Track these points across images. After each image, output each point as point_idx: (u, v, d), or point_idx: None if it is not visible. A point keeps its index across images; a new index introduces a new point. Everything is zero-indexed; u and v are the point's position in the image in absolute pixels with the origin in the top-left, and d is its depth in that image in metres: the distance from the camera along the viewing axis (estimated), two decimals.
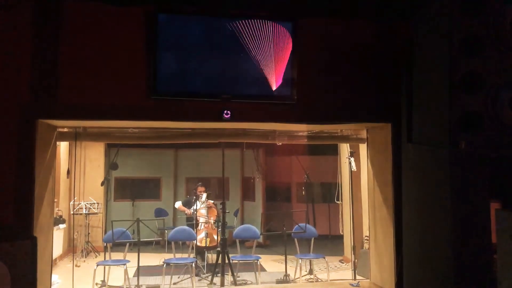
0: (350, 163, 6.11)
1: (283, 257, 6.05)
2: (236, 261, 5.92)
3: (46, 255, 4.12)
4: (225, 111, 4.08)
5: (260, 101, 4.19)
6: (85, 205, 7.70)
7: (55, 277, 5.52)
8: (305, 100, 4.25)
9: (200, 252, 7.00)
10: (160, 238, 7.97)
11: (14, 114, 3.74)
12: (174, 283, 5.81)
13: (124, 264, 5.49)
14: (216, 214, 7.19)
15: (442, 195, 3.04)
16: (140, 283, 5.34)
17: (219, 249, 5.80)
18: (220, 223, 6.13)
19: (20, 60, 3.78)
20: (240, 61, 4.10)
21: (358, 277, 5.54)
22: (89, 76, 3.92)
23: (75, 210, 7.48)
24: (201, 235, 6.92)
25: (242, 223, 8.98)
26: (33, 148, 3.79)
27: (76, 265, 6.61)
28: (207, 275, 6.30)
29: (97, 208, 7.89)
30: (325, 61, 4.35)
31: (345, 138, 5.78)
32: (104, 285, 5.59)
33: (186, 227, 6.61)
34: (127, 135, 5.06)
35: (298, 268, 5.83)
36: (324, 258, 5.86)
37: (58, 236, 7.34)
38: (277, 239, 8.06)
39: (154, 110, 4.04)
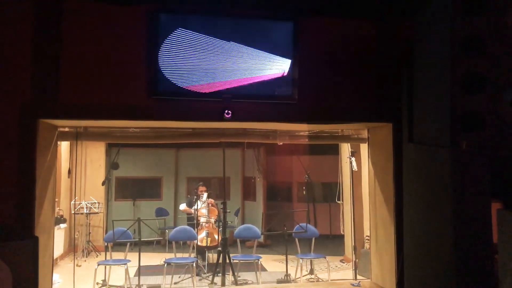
0: (351, 162, 6.10)
1: (284, 257, 6.05)
2: (237, 261, 5.92)
3: (47, 254, 4.13)
4: (226, 111, 4.08)
5: (261, 101, 4.19)
6: (86, 204, 7.70)
7: (56, 277, 5.52)
8: (306, 100, 4.25)
9: (201, 251, 6.99)
10: (161, 238, 7.97)
11: (15, 114, 3.74)
12: (175, 283, 5.81)
13: (125, 264, 5.49)
14: (216, 213, 7.19)
15: (443, 195, 3.03)
16: (141, 283, 5.34)
17: (219, 248, 5.80)
18: (221, 223, 6.13)
19: (22, 60, 3.78)
20: (241, 60, 4.10)
21: (359, 277, 5.54)
22: (90, 76, 3.92)
23: (76, 209, 7.48)
24: (202, 235, 6.92)
25: (243, 223, 8.97)
26: (34, 147, 3.80)
27: (77, 265, 6.61)
28: (207, 274, 6.30)
29: (98, 207, 7.89)
30: (326, 61, 4.35)
31: (346, 138, 5.78)
32: (105, 285, 5.59)
33: (187, 227, 6.61)
34: (128, 134, 5.06)
35: (299, 268, 5.83)
36: (325, 258, 5.86)
37: (59, 235, 7.34)
38: (278, 239, 8.06)
39: (155, 110, 4.04)
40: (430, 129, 3.24)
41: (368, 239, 5.90)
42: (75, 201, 7.52)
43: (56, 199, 5.94)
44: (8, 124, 3.72)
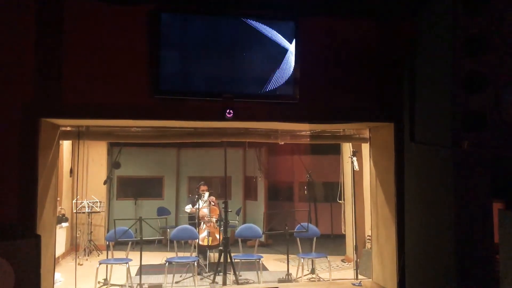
0: (352, 162, 6.10)
1: (285, 257, 6.06)
2: (238, 260, 5.92)
3: (49, 253, 4.13)
4: (228, 110, 4.08)
5: (263, 100, 4.19)
6: (88, 203, 7.72)
7: (58, 275, 5.54)
8: (307, 100, 4.25)
9: (202, 251, 7.00)
10: (163, 237, 7.98)
11: (17, 112, 3.75)
12: (176, 282, 5.82)
13: (126, 263, 5.51)
14: (218, 213, 7.19)
15: (444, 195, 3.03)
16: (142, 282, 5.35)
17: (221, 248, 5.81)
18: (222, 222, 6.13)
19: (24, 59, 3.79)
20: (242, 60, 4.10)
21: (360, 276, 5.54)
22: (92, 75, 3.93)
23: (77, 208, 7.50)
24: (203, 234, 6.93)
25: (244, 222, 8.98)
26: (36, 147, 3.81)
27: (78, 264, 6.63)
28: (209, 274, 6.30)
29: (100, 206, 7.90)
30: (327, 61, 4.34)
31: (347, 138, 5.77)
32: (107, 284, 5.61)
33: (188, 226, 6.62)
34: (129, 134, 5.07)
35: (300, 267, 5.84)
36: (326, 257, 5.86)
37: (61, 234, 7.36)
38: (279, 239, 8.06)
39: (157, 109, 4.04)
40: (431, 129, 3.24)
41: (369, 239, 5.90)
42: (76, 200, 7.54)
43: (58, 198, 5.95)
44: (10, 123, 3.73)
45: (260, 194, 9.69)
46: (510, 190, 3.05)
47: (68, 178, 7.99)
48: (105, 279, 5.63)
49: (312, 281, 5.96)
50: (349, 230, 6.95)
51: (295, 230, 6.02)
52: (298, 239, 6.10)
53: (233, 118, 4.12)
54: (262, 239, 8.19)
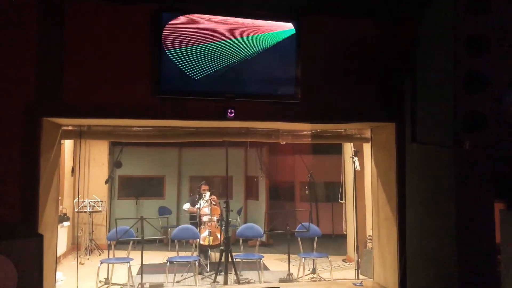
0: (354, 162, 6.10)
1: (286, 256, 6.06)
2: (239, 260, 5.92)
3: (50, 252, 4.14)
4: (229, 110, 4.09)
5: (264, 100, 4.20)
6: (89, 203, 7.73)
7: (59, 275, 5.55)
8: (309, 99, 4.26)
9: (203, 250, 7.01)
10: (164, 236, 7.98)
11: (19, 112, 3.76)
12: (177, 281, 5.82)
13: (127, 262, 5.51)
14: (219, 212, 7.20)
15: (446, 195, 3.03)
16: (143, 281, 5.35)
17: (222, 247, 5.81)
18: (223, 222, 6.14)
19: (26, 59, 3.80)
20: (244, 60, 4.11)
21: (361, 276, 5.54)
22: (93, 74, 3.94)
23: (79, 208, 7.51)
24: (205, 234, 6.94)
25: (245, 222, 8.98)
26: (38, 146, 3.81)
27: (80, 263, 6.64)
28: (210, 273, 6.31)
29: (101, 206, 7.91)
30: (329, 60, 4.35)
31: (349, 138, 5.77)
32: (108, 283, 5.61)
33: (190, 226, 6.62)
34: (131, 133, 5.08)
35: (301, 267, 5.84)
36: (328, 257, 5.86)
37: (62, 233, 7.37)
38: (280, 238, 8.06)
39: (158, 109, 4.05)
40: (433, 129, 3.24)
41: (370, 239, 5.89)
42: (78, 200, 7.55)
43: (60, 198, 5.96)
44: (12, 122, 3.74)
45: (261, 193, 9.69)
46: None
47: (69, 178, 8.00)
48: (106, 279, 5.64)
49: (313, 281, 5.96)
50: (350, 230, 6.95)
51: (296, 230, 6.02)
52: (299, 239, 6.10)
53: (235, 118, 4.12)
54: (263, 238, 8.19)
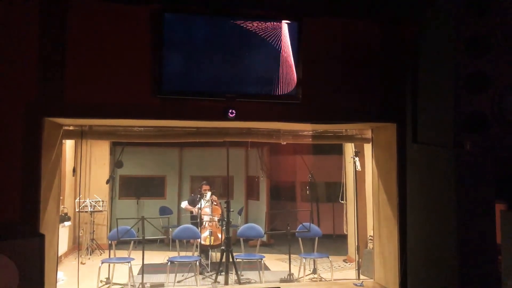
0: (354, 162, 6.10)
1: (287, 256, 6.06)
2: (240, 260, 5.93)
3: (51, 252, 4.15)
4: (230, 110, 4.10)
5: (265, 100, 4.20)
6: (90, 202, 7.74)
7: (60, 274, 5.55)
8: (310, 100, 4.26)
9: (204, 250, 7.01)
10: (165, 236, 7.99)
11: (20, 112, 3.77)
12: (178, 281, 5.82)
13: (128, 262, 5.52)
14: (220, 212, 7.20)
15: (447, 196, 3.03)
16: (144, 281, 5.36)
17: (223, 247, 5.82)
18: (224, 222, 6.14)
19: (27, 59, 3.81)
20: (245, 60, 4.11)
21: (362, 277, 5.54)
22: (95, 74, 3.94)
23: (80, 207, 7.52)
24: (205, 234, 6.94)
25: (246, 222, 8.99)
26: (39, 146, 3.82)
27: (81, 263, 6.64)
28: (211, 273, 6.31)
29: (102, 206, 7.92)
30: (330, 61, 4.35)
31: (350, 138, 5.78)
32: (109, 283, 5.62)
33: (191, 226, 6.63)
34: (132, 133, 5.09)
35: (302, 267, 5.84)
36: (328, 257, 5.86)
37: (63, 233, 7.39)
38: (281, 238, 8.06)
39: (160, 109, 4.06)
40: (434, 129, 3.24)
41: (371, 239, 5.89)
42: (79, 199, 7.56)
43: (61, 197, 5.97)
44: (13, 122, 3.75)
45: (262, 193, 9.70)
46: None
47: (70, 177, 8.01)
48: (107, 278, 5.65)
49: (314, 281, 5.96)
50: (351, 230, 6.95)
51: (297, 230, 6.02)
52: (300, 239, 6.10)
53: (235, 118, 4.13)
54: (264, 239, 8.19)
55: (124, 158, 7.89)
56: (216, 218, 7.12)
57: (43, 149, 3.86)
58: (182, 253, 6.46)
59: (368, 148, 5.67)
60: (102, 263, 5.52)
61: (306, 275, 6.00)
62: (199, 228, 6.84)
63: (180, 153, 10.12)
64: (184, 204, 7.99)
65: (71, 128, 4.83)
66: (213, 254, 7.16)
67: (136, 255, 5.75)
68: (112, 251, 5.93)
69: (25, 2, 3.82)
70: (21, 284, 2.92)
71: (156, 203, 9.58)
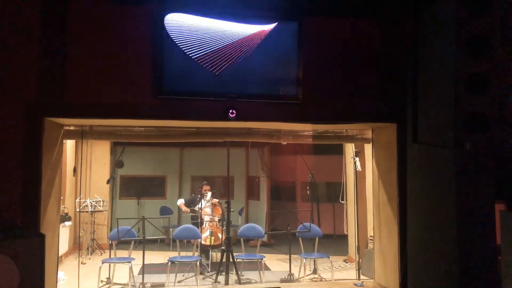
0: (355, 162, 6.10)
1: (287, 256, 6.06)
2: (241, 260, 5.93)
3: (52, 252, 4.16)
4: (230, 110, 4.10)
5: (265, 101, 4.21)
6: (91, 202, 7.74)
7: (61, 274, 5.56)
8: (310, 100, 4.26)
9: (205, 250, 7.01)
10: (165, 236, 7.99)
11: (21, 112, 3.78)
12: (179, 281, 5.82)
13: (129, 262, 5.52)
14: (220, 212, 7.20)
15: (447, 196, 3.03)
16: (144, 281, 5.36)
17: (223, 247, 5.82)
18: (224, 222, 6.14)
19: (28, 59, 3.82)
20: (245, 60, 4.12)
21: (362, 277, 5.54)
22: (95, 75, 3.95)
23: (81, 207, 7.52)
24: (206, 234, 6.94)
25: (247, 222, 8.98)
26: (40, 146, 3.83)
27: (81, 263, 6.64)
28: (211, 273, 6.31)
29: (103, 206, 7.92)
30: (331, 61, 4.35)
31: (350, 138, 5.78)
32: (109, 283, 5.62)
33: (191, 226, 6.62)
34: (133, 133, 5.09)
35: (303, 267, 5.84)
36: (329, 257, 5.86)
37: (64, 233, 7.39)
38: (281, 238, 8.06)
39: (160, 109, 4.06)
40: (434, 130, 3.24)
41: (371, 239, 5.89)
42: (80, 199, 7.56)
43: (61, 197, 5.98)
44: (14, 122, 3.76)
45: (262, 194, 9.70)
46: None
47: (71, 177, 8.01)
48: (108, 278, 5.65)
49: (314, 281, 5.96)
50: (351, 230, 6.95)
51: (297, 230, 6.02)
52: (300, 239, 6.10)
53: (236, 118, 4.14)
54: (265, 239, 8.20)
55: (124, 158, 7.89)
56: (216, 218, 7.12)
57: (44, 149, 3.87)
58: (183, 253, 6.46)
59: (368, 148, 5.67)
60: (102, 263, 5.52)
61: (307, 275, 6.00)
62: (200, 228, 6.84)
63: (181, 153, 10.13)
64: (180, 201, 7.96)
65: (71, 128, 4.84)
66: (214, 254, 7.16)
67: (137, 255, 5.75)
68: (112, 251, 5.94)
69: (27, 2, 3.83)
70: (21, 284, 2.93)
71: (157, 203, 9.58)
